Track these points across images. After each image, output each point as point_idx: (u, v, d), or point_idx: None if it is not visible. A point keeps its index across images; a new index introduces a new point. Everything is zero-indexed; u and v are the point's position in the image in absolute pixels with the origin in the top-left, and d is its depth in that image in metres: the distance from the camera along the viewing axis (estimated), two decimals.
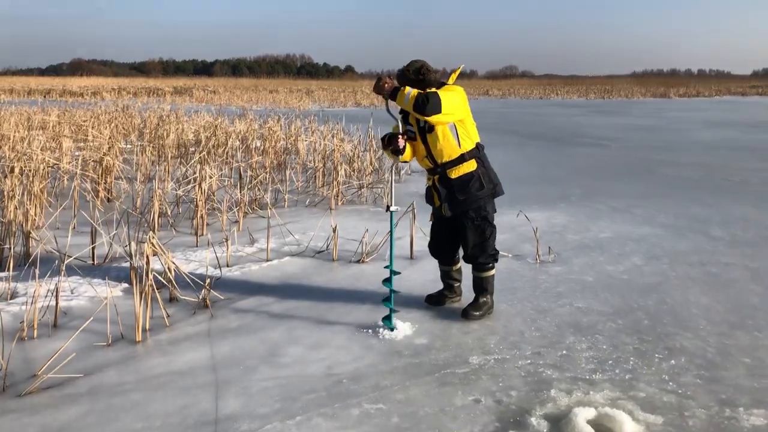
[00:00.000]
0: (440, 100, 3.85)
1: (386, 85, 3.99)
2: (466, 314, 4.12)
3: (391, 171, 4.36)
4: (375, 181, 8.91)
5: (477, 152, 4.08)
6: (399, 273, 4.13)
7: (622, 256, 5.64)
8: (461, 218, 4.09)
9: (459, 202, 4.05)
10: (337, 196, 8.04)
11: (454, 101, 3.94)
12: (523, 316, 4.22)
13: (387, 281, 4.04)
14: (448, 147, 3.99)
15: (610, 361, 3.55)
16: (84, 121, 14.29)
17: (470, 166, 4.03)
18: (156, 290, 4.13)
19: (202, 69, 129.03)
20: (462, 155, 4.01)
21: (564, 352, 3.67)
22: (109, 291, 4.47)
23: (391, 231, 4.19)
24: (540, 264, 5.40)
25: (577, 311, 4.31)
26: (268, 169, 9.72)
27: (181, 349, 3.72)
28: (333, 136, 11.77)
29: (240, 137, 12.58)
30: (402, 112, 4.16)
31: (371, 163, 10.13)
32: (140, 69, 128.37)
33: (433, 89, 3.95)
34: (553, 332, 3.96)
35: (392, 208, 4.08)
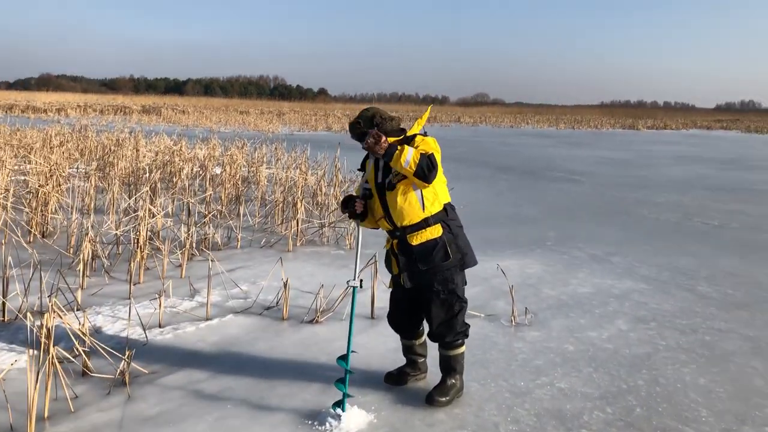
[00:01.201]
0: (437, 163, 3.27)
1: (384, 142, 3.25)
2: (431, 400, 3.50)
3: (358, 237, 3.66)
4: (339, 219, 8.28)
5: (444, 215, 3.47)
6: (353, 373, 3.48)
7: (605, 318, 5.10)
8: (425, 291, 3.49)
9: (420, 273, 3.45)
10: (297, 236, 7.41)
11: (439, 160, 3.35)
12: (497, 400, 3.62)
13: (341, 359, 3.41)
14: (409, 209, 3.39)
15: None
16: (34, 143, 13.43)
17: (434, 231, 3.42)
18: (60, 363, 3.44)
19: (174, 87, 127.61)
20: (426, 219, 3.41)
21: None
22: (8, 361, 3.76)
23: (351, 312, 3.52)
24: (515, 327, 4.83)
25: (558, 394, 3.73)
26: (224, 203, 9.06)
27: None
28: (297, 167, 11.15)
29: (199, 165, 11.89)
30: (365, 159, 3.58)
31: (336, 198, 9.53)
32: (111, 86, 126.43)
33: (423, 149, 3.31)
34: (533, 425, 3.36)
35: (352, 283, 3.47)
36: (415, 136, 3.44)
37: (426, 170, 3.20)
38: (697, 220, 9.83)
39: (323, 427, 3.22)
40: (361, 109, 3.49)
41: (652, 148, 28.20)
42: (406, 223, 3.40)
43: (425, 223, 3.40)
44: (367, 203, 3.53)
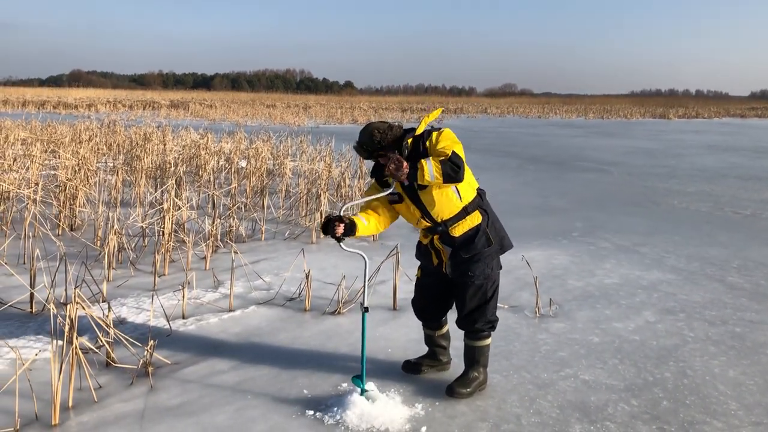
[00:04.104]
0: (461, 157, 3.22)
1: (405, 167, 3.19)
2: (451, 392, 3.46)
3: (365, 265, 3.50)
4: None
5: (480, 201, 3.46)
6: (367, 391, 3.37)
7: (632, 309, 5.00)
8: (459, 276, 3.46)
9: (463, 261, 3.42)
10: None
11: (461, 151, 3.29)
12: (519, 392, 3.57)
13: (357, 378, 3.38)
14: (448, 203, 3.36)
15: None
16: (64, 138, 13.66)
17: (474, 219, 3.41)
18: (85, 353, 3.47)
19: (202, 82, 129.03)
20: (464, 208, 3.39)
21: None
22: (34, 352, 3.81)
23: (363, 339, 3.44)
24: (539, 318, 4.76)
25: (583, 386, 3.66)
26: (248, 195, 9.11)
27: None
28: (321, 159, 11.16)
29: (225, 158, 11.98)
30: (375, 172, 3.51)
31: (360, 189, 9.53)
32: (140, 81, 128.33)
33: (442, 147, 3.25)
34: (556, 417, 3.31)
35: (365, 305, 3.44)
36: (426, 133, 3.35)
37: (453, 173, 3.19)
38: (728, 209, 9.61)
39: (344, 419, 3.20)
40: (360, 132, 3.41)
41: (683, 137, 27.65)
42: (446, 216, 3.38)
43: (465, 212, 3.39)
44: (354, 223, 3.40)
